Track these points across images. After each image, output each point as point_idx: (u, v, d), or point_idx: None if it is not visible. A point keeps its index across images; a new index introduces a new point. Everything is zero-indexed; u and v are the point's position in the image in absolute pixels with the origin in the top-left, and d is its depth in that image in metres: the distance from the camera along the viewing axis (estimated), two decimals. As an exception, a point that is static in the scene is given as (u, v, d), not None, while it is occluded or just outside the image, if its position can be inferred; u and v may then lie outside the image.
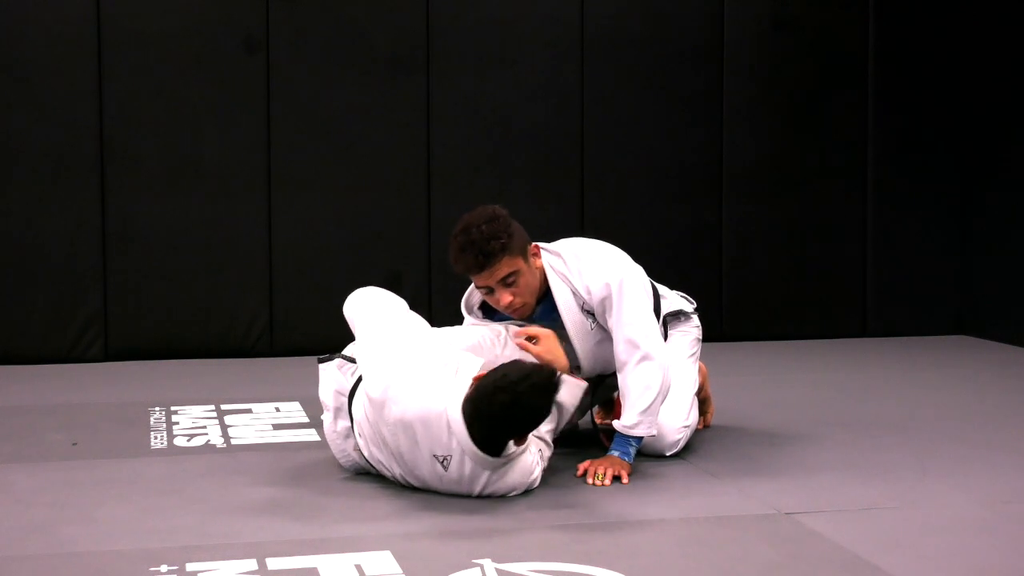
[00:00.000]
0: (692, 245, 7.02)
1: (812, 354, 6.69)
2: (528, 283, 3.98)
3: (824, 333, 7.16)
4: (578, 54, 6.83)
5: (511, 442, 3.58)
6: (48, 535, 3.33)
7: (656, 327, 4.02)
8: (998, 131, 7.01)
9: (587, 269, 4.00)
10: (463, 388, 3.58)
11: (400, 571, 3.02)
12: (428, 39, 6.65)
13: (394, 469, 3.72)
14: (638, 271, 4.10)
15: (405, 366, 3.69)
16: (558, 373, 3.62)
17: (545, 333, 3.95)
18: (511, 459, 3.61)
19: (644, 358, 3.92)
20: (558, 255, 4.05)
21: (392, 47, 6.63)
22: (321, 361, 3.99)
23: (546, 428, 3.83)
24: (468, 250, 3.87)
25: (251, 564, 3.06)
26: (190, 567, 3.04)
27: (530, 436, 3.72)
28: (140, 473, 4.01)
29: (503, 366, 3.59)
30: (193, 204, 6.44)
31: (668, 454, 4.18)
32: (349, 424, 3.86)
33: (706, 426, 4.68)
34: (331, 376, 3.93)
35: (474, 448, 3.53)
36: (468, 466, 3.57)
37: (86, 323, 6.34)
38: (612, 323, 3.97)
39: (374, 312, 3.98)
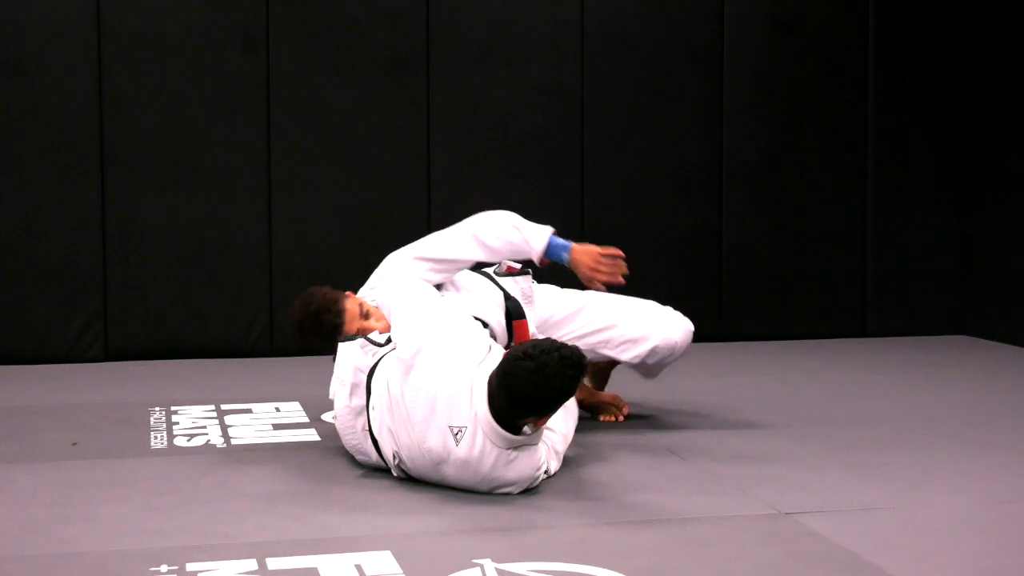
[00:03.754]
0: (692, 245, 7.02)
1: (812, 354, 6.69)
2: (372, 309, 4.34)
3: (824, 333, 7.16)
4: (578, 54, 6.83)
5: (527, 426, 3.58)
6: (48, 535, 3.33)
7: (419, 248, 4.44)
8: (998, 131, 7.01)
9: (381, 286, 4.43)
10: (493, 363, 3.61)
11: (400, 571, 3.02)
12: (428, 39, 6.65)
13: (402, 437, 3.72)
14: (400, 269, 4.44)
15: (441, 334, 3.75)
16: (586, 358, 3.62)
17: None
18: (523, 445, 3.61)
19: (452, 233, 4.41)
20: (365, 292, 4.47)
21: (392, 47, 6.62)
22: (343, 340, 4.04)
23: (561, 447, 3.86)
24: (315, 337, 4.35)
25: (251, 564, 3.06)
26: (190, 567, 3.04)
27: (542, 445, 3.73)
28: (140, 473, 4.01)
29: (535, 339, 3.63)
30: (193, 204, 6.44)
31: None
32: (363, 402, 3.87)
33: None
34: (352, 354, 3.96)
35: (490, 419, 3.53)
36: (479, 441, 3.57)
37: (86, 323, 6.34)
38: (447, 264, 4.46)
39: (413, 288, 4.08)
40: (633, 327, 4.56)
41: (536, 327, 4.53)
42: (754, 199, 7.08)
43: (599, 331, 4.57)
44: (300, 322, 4.36)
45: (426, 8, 6.63)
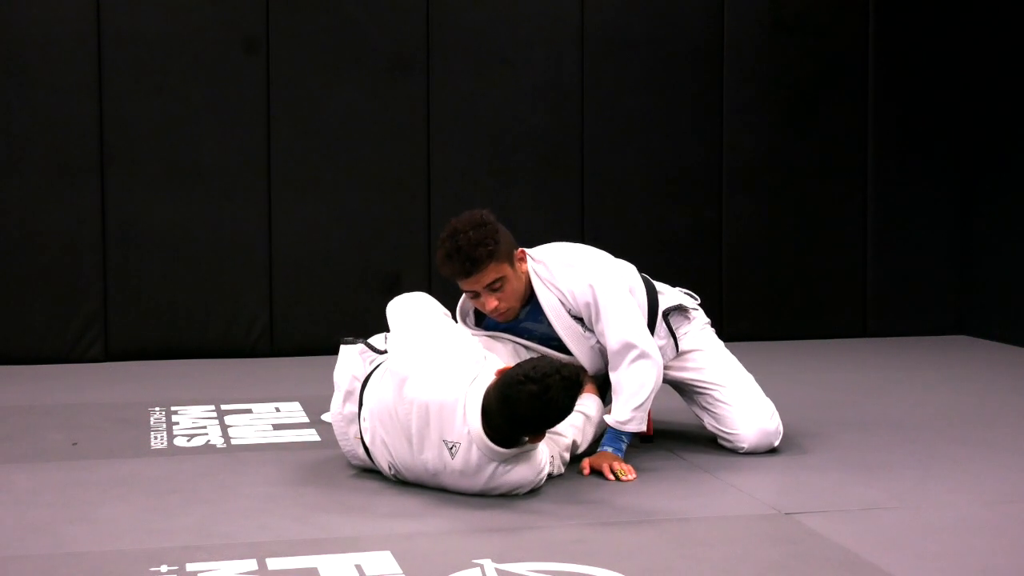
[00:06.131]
0: (692, 245, 7.02)
1: (812, 354, 6.69)
2: (514, 289, 4.02)
3: (824, 333, 7.16)
4: (578, 54, 6.83)
5: (525, 438, 3.59)
6: (48, 535, 3.33)
7: (644, 325, 4.04)
8: (998, 131, 7.01)
9: (570, 275, 4.04)
10: (485, 379, 3.61)
11: (400, 571, 3.02)
12: (428, 39, 6.65)
13: (397, 449, 3.71)
14: (622, 273, 4.13)
15: (433, 350, 3.73)
16: (583, 376, 3.62)
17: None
18: (520, 453, 3.61)
19: (640, 356, 3.95)
20: (543, 263, 4.08)
21: (392, 47, 6.62)
22: (344, 343, 4.01)
23: (565, 443, 3.90)
24: (455, 256, 3.91)
25: (251, 564, 3.06)
26: (190, 567, 3.04)
27: (544, 448, 3.73)
28: (140, 473, 4.02)
29: (532, 359, 3.62)
30: (193, 204, 6.44)
31: (775, 443, 4.25)
32: (356, 410, 3.87)
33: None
34: (351, 359, 3.96)
35: (483, 437, 3.53)
36: (475, 456, 3.57)
37: (86, 323, 6.34)
38: (601, 327, 4.00)
39: (414, 308, 4.03)
40: (732, 413, 4.25)
41: None
42: (754, 199, 7.08)
43: (713, 387, 4.30)
44: (452, 235, 3.94)
45: (426, 8, 6.64)
